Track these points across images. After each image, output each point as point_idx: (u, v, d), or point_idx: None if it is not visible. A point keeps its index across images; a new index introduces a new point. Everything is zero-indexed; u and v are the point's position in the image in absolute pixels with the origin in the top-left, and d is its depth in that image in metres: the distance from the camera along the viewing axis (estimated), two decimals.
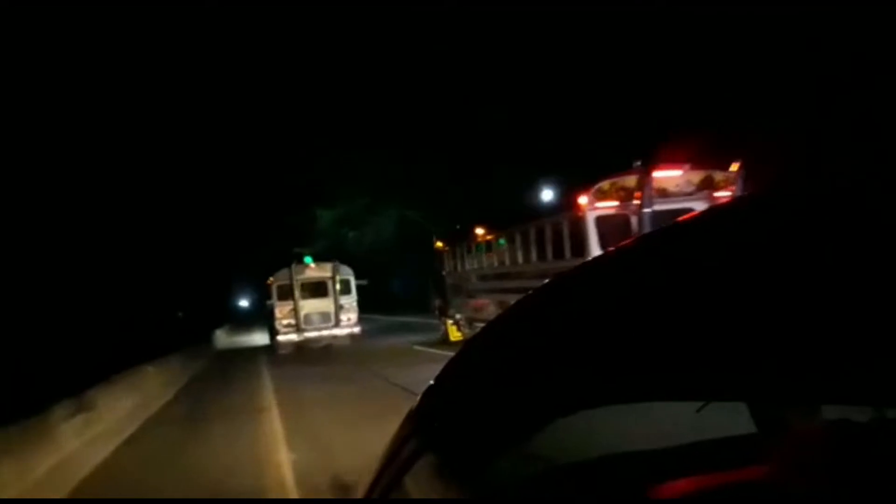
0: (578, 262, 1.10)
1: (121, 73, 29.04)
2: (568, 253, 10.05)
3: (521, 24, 22.93)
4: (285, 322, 19.01)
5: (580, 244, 9.58)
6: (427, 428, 0.93)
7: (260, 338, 25.69)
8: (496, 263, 13.61)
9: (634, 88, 19.42)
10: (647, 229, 8.21)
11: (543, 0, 21.90)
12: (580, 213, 9.58)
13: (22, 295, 21.71)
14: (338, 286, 19.33)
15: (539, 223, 11.34)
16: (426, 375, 1.04)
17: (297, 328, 19.00)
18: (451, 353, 0.98)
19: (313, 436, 7.44)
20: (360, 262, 22.78)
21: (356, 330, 19.48)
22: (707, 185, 9.65)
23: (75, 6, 24.66)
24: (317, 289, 19.36)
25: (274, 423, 8.52)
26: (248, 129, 32.80)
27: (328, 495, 3.34)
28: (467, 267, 15.66)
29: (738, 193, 9.27)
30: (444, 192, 28.54)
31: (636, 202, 9.29)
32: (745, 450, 0.95)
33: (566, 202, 10.30)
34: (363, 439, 4.66)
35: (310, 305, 19.16)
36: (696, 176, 9.75)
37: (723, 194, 9.37)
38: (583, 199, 9.58)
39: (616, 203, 9.53)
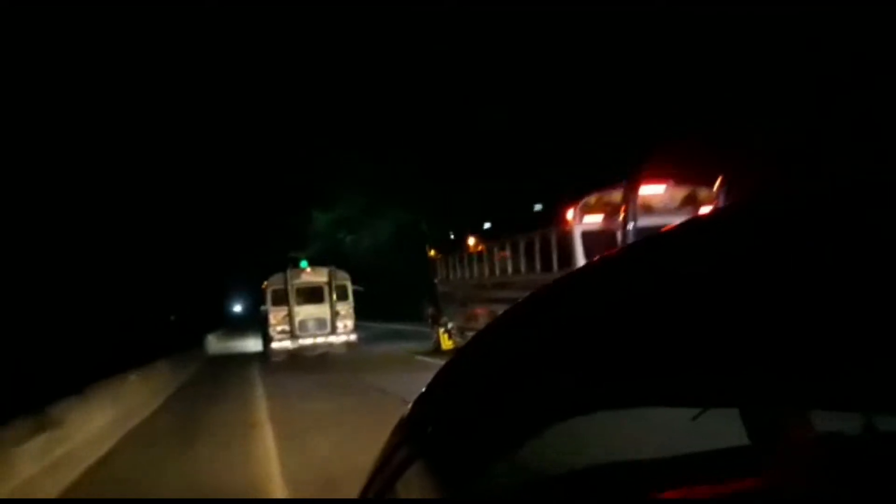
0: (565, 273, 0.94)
1: (120, 74, 28.97)
2: (556, 265, 10.26)
3: (521, 24, 22.85)
4: (279, 328, 18.44)
5: (567, 257, 9.85)
6: (419, 435, 0.94)
7: (253, 344, 25.37)
8: (487, 273, 13.75)
9: (634, 88, 19.33)
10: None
11: (543, 0, 21.84)
12: (567, 227, 9.86)
13: (10, 298, 21.38)
14: (334, 292, 18.84)
15: (528, 236, 11.56)
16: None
17: (292, 335, 18.44)
18: None
19: (310, 458, 6.72)
20: (357, 267, 22.45)
21: (353, 338, 18.85)
22: (690, 202, 9.92)
23: (75, 6, 24.53)
24: (312, 294, 18.80)
25: (267, 441, 7.91)
26: (244, 129, 32.72)
27: None
28: (459, 276, 15.73)
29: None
30: (443, 194, 28.39)
31: (621, 217, 9.51)
32: (739, 460, 0.96)
33: (554, 215, 10.48)
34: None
35: (305, 311, 18.60)
36: (680, 192, 10.02)
37: (706, 210, 9.44)
38: (570, 214, 9.85)
39: (602, 217, 9.81)
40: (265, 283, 19.39)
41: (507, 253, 12.49)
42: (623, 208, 9.46)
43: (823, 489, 0.75)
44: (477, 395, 0.81)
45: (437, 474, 0.86)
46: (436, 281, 17.48)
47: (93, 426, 8.14)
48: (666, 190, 9.93)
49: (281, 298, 18.64)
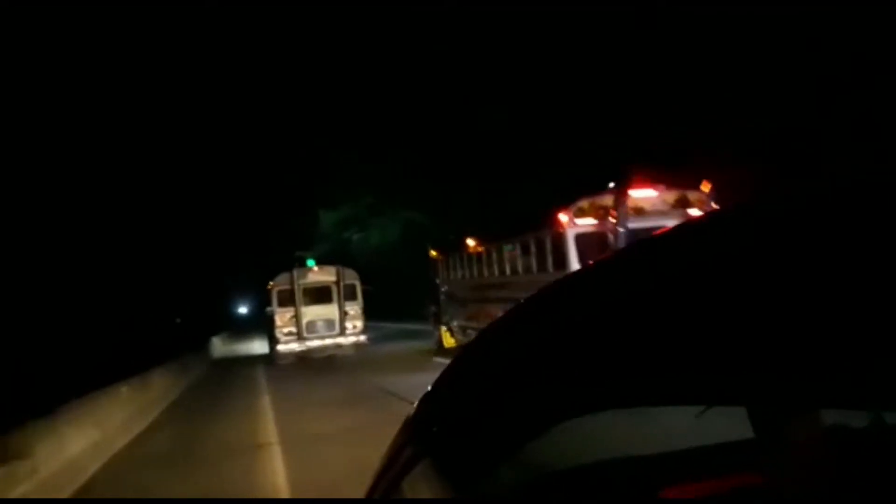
0: (560, 275, 1.16)
1: (120, 75, 28.96)
2: (550, 267, 10.59)
3: (521, 24, 22.84)
4: (286, 330, 17.88)
5: (561, 259, 10.17)
6: (425, 434, 0.94)
7: (259, 346, 24.91)
8: (486, 274, 14.06)
9: (634, 88, 19.37)
10: (622, 246, 8.73)
11: (543, 0, 21.84)
12: (560, 230, 10.17)
13: (14, 300, 21.44)
14: (343, 292, 18.18)
15: (524, 238, 11.88)
16: None
17: (299, 336, 17.85)
18: None
19: (326, 485, 5.60)
20: (366, 267, 22.03)
21: (362, 338, 18.23)
22: (681, 205, 10.22)
23: (75, 6, 24.54)
24: (320, 294, 18.16)
25: (275, 462, 6.96)
26: (248, 129, 32.70)
27: None
28: (459, 276, 15.97)
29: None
30: (443, 194, 28.43)
31: (613, 220, 9.82)
32: (744, 455, 0.94)
33: (548, 219, 10.76)
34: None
35: (312, 312, 17.99)
36: (671, 196, 10.33)
37: (696, 213, 9.84)
38: (563, 217, 10.16)
39: (594, 221, 10.11)
40: (271, 283, 18.83)
41: (505, 255, 12.86)
42: (614, 212, 9.82)
43: (830, 484, 0.75)
44: (482, 395, 0.82)
45: (443, 474, 0.86)
46: (437, 280, 17.57)
47: (67, 453, 7.10)
48: (657, 193, 10.27)
49: (287, 299, 18.15)
